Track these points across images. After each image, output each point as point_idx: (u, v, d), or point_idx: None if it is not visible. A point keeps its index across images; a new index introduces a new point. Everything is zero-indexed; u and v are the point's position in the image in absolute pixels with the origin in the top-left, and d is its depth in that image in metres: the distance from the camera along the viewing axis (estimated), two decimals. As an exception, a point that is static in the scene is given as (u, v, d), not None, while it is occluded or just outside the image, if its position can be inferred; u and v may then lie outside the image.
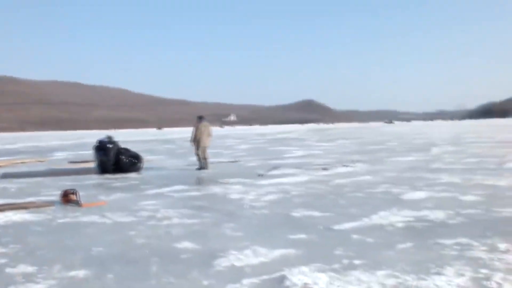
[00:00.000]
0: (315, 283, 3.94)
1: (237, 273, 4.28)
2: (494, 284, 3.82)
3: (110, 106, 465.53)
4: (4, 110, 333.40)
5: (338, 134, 52.53)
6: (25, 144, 43.82)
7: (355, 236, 5.56)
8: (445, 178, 10.77)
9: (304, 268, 4.32)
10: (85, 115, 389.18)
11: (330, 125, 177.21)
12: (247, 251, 4.98)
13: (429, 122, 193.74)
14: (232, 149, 26.05)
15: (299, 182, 10.84)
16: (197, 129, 14.63)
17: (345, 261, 4.52)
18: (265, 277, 4.16)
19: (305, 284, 3.93)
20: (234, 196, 9.01)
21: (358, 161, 15.90)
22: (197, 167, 14.48)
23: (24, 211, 7.81)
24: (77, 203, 8.29)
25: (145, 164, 15.12)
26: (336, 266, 4.39)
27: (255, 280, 4.09)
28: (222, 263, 4.61)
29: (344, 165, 14.36)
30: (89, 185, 11.47)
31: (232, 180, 11.46)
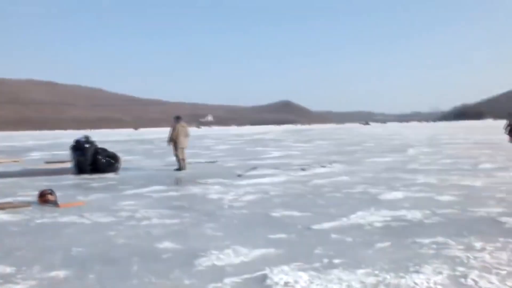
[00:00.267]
0: (296, 282, 3.98)
1: (219, 273, 4.30)
2: (470, 282, 3.91)
3: (85, 106, 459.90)
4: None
5: (315, 135, 52.84)
6: (-2, 144, 43.06)
7: (334, 236, 5.62)
8: (421, 178, 10.94)
9: (285, 267, 4.37)
10: (60, 115, 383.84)
11: (307, 126, 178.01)
12: (228, 251, 5.00)
13: (404, 124, 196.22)
14: (210, 150, 26.02)
15: (278, 182, 10.90)
16: (174, 129, 14.56)
17: (325, 260, 4.58)
18: (246, 276, 4.19)
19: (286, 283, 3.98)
20: (214, 196, 9.02)
21: (335, 161, 16.03)
22: (176, 167, 14.42)
23: (0, 211, 7.70)
24: (54, 204, 8.20)
25: (122, 165, 15.00)
26: (317, 265, 4.44)
27: (236, 279, 4.11)
28: (204, 262, 4.63)
29: (322, 166, 14.46)
30: (67, 185, 11.35)
31: (211, 180, 11.45)
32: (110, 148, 16.01)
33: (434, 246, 5.04)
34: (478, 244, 5.06)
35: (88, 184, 11.60)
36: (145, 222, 6.67)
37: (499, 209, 7.05)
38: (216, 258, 4.75)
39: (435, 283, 3.89)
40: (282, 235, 5.71)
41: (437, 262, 4.45)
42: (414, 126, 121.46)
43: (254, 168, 14.25)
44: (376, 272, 4.18)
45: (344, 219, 6.58)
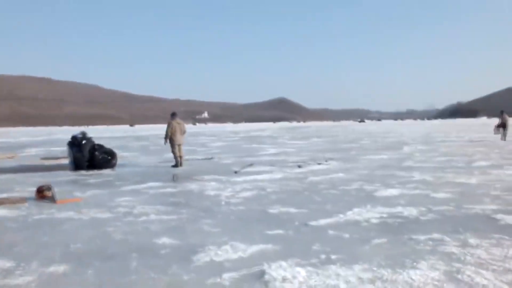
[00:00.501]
0: (294, 278, 4.02)
1: (217, 268, 4.33)
2: (466, 278, 3.96)
3: (81, 103, 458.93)
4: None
5: (311, 132, 52.84)
6: (-7, 140, 42.90)
7: (331, 232, 5.66)
8: (417, 176, 10.99)
9: (283, 263, 4.40)
10: (56, 111, 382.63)
11: (303, 123, 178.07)
12: (226, 247, 5.03)
13: (400, 121, 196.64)
14: (206, 147, 26.00)
15: (274, 179, 10.93)
16: (169, 126, 14.54)
17: (323, 256, 4.62)
18: (244, 271, 4.22)
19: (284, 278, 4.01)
20: (210, 192, 9.04)
21: (331, 159, 16.07)
22: (173, 164, 14.44)
23: (-2, 207, 7.71)
24: (52, 199, 8.21)
25: (119, 161, 15.00)
26: (314, 261, 4.48)
27: (235, 275, 4.15)
28: (202, 258, 4.66)
29: (318, 163, 14.50)
30: (64, 181, 11.35)
31: (207, 177, 11.48)
32: (106, 144, 15.98)
33: (430, 242, 5.08)
34: (473, 241, 5.11)
35: (85, 180, 11.61)
36: (142, 218, 6.69)
37: (494, 206, 7.10)
38: (214, 254, 4.77)
39: (431, 279, 3.93)
40: (280, 231, 5.74)
41: (433, 258, 4.50)
42: (409, 123, 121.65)
43: (251, 165, 14.28)
44: (373, 268, 4.23)
45: (341, 215, 6.62)
